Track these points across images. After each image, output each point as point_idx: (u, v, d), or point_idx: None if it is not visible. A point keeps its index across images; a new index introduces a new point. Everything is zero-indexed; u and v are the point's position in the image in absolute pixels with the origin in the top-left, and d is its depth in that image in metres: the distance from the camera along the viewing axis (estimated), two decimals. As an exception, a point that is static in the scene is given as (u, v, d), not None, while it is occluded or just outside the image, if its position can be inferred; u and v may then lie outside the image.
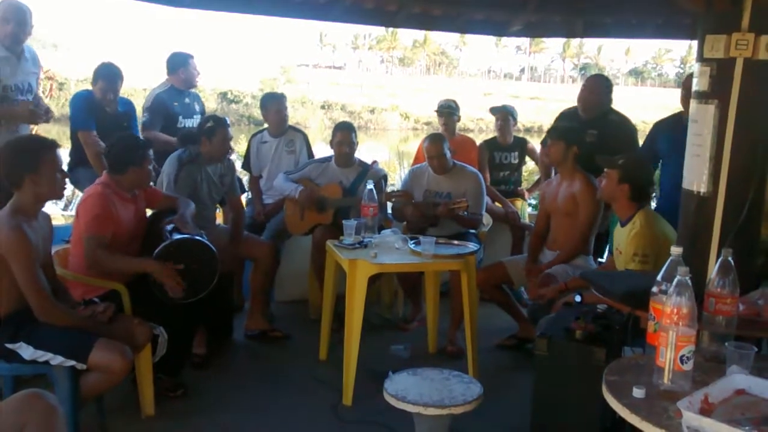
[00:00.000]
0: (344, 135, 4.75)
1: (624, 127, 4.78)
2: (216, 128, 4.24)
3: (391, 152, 15.80)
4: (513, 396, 3.59)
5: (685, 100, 3.81)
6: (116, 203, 3.45)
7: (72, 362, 2.83)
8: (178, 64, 5.12)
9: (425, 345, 4.42)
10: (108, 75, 4.71)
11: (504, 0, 5.16)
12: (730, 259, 2.09)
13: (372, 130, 36.02)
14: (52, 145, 2.95)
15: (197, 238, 3.54)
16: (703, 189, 2.54)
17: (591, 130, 4.56)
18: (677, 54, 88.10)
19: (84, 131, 4.60)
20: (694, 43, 2.73)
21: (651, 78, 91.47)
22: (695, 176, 2.57)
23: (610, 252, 3.82)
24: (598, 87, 4.83)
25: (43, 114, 4.14)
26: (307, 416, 3.51)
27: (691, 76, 3.98)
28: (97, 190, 3.46)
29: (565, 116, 5.02)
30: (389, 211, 4.88)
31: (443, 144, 4.52)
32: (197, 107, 5.25)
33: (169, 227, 3.57)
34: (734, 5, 2.39)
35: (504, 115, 5.66)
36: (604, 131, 4.58)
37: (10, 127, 4.06)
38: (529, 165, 6.05)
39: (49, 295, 2.85)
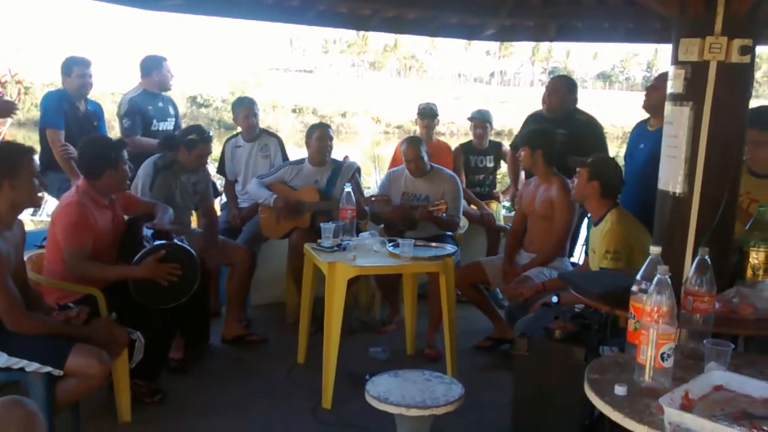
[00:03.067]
0: (322, 131, 4.77)
1: (590, 125, 4.89)
2: (197, 142, 4.21)
3: (364, 155, 15.79)
4: (492, 396, 3.62)
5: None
6: (93, 211, 3.41)
7: (48, 368, 2.78)
8: (152, 67, 5.07)
9: (403, 347, 4.43)
10: (81, 60, 4.73)
11: (478, 4, 5.20)
12: (707, 258, 2.13)
13: (343, 134, 35.95)
14: (29, 150, 2.92)
15: (178, 243, 3.52)
16: (678, 189, 2.58)
17: (560, 129, 4.65)
18: (644, 58, 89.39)
19: (52, 129, 4.57)
20: (661, 47, 2.79)
21: (619, 82, 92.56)
22: (671, 177, 2.61)
23: (586, 253, 3.87)
24: (559, 87, 4.95)
25: (11, 106, 4.23)
26: (286, 420, 3.49)
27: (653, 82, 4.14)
28: (73, 199, 3.40)
29: (531, 119, 5.11)
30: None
31: (420, 147, 4.54)
32: (171, 110, 5.21)
33: (149, 233, 3.54)
34: (708, 10, 2.43)
35: (482, 122, 5.69)
36: (572, 131, 4.67)
37: None
38: (504, 168, 6.12)
39: (20, 306, 2.78)
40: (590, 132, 4.81)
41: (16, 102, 4.32)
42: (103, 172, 3.45)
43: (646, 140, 3.93)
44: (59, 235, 3.34)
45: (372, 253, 3.83)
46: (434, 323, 4.33)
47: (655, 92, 3.87)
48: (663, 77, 3.90)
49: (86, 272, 3.32)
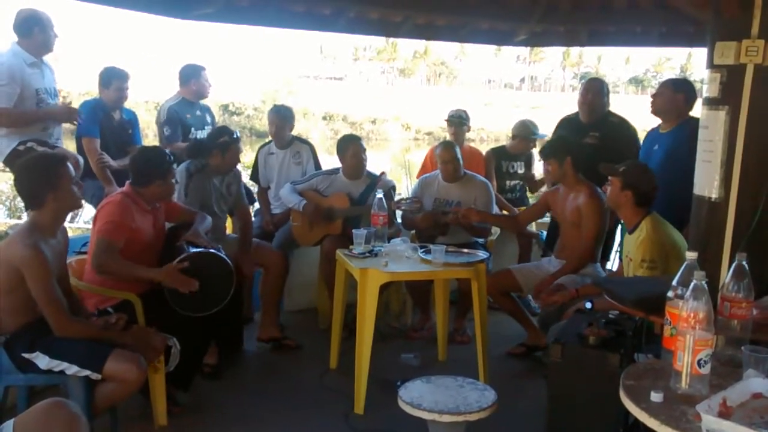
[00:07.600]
0: (356, 146, 4.77)
1: (624, 128, 4.87)
2: (231, 143, 4.28)
3: (394, 162, 15.80)
4: (525, 403, 3.60)
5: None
6: (135, 213, 3.48)
7: (87, 372, 2.83)
8: (190, 75, 5.16)
9: (435, 353, 4.42)
10: (120, 74, 4.84)
11: (508, 10, 5.21)
12: (744, 263, 2.11)
13: (374, 140, 36.07)
14: (64, 159, 3.00)
15: (213, 251, 3.56)
16: (714, 195, 2.56)
17: (593, 132, 4.63)
18: (677, 62, 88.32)
19: (88, 138, 4.67)
20: (694, 51, 2.78)
21: (651, 86, 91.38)
22: (706, 182, 2.59)
23: (620, 259, 3.84)
24: (598, 89, 4.91)
25: (76, 113, 4.35)
26: (319, 425, 3.51)
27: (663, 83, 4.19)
28: (117, 198, 3.50)
29: (565, 122, 5.07)
30: (398, 220, 4.89)
31: (455, 150, 4.59)
32: (208, 119, 5.30)
33: (186, 242, 3.60)
34: (744, 12, 2.41)
35: (527, 132, 5.64)
36: (606, 133, 4.64)
37: (48, 130, 4.32)
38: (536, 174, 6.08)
39: (65, 310, 2.86)
40: (624, 133, 4.79)
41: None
42: (152, 181, 3.53)
43: (659, 142, 3.99)
44: (96, 227, 3.41)
45: (404, 260, 3.84)
46: (463, 311, 4.40)
47: (659, 98, 4.04)
48: (666, 84, 4.08)
49: (109, 265, 3.35)
